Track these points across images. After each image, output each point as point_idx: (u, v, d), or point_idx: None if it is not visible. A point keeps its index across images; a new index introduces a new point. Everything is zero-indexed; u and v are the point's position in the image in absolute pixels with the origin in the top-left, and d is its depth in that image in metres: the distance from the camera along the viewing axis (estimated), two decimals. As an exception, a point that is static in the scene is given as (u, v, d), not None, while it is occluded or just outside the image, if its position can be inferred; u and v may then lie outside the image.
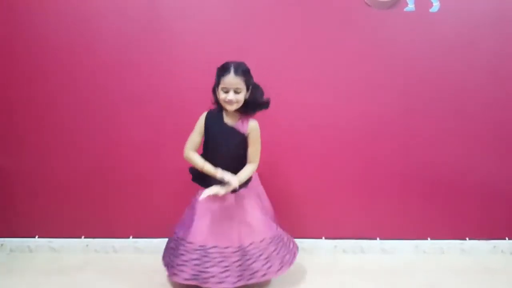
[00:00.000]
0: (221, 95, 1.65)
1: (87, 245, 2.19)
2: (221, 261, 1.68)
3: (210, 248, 1.69)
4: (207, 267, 1.67)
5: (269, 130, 2.10)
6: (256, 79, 2.09)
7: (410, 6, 2.05)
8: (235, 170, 1.70)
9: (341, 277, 1.97)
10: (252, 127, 1.72)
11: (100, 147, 2.13)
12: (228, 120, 1.72)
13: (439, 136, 2.15)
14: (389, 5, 2.05)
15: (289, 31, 2.07)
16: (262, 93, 1.74)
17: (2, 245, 2.19)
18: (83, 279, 1.93)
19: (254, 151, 1.73)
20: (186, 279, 1.69)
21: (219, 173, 1.66)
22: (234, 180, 1.64)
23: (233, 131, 1.71)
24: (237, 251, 1.70)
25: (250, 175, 1.73)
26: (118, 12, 2.03)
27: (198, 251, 1.69)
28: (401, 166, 2.18)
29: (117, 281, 1.91)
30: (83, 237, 2.20)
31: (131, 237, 2.21)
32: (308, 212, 2.21)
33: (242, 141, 1.72)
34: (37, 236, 2.20)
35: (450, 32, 2.08)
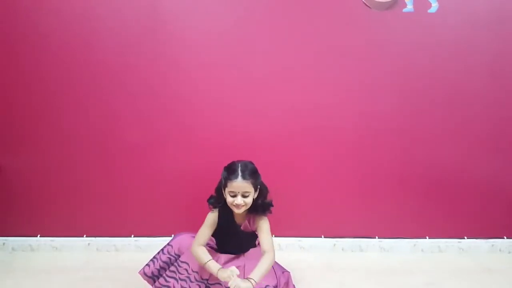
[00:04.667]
0: (229, 199, 1.59)
1: (88, 244, 2.20)
2: (183, 280, 1.61)
3: (182, 262, 1.64)
4: (168, 276, 1.64)
5: (269, 130, 2.12)
6: (256, 79, 2.11)
7: (409, 7, 2.07)
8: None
9: (339, 276, 1.99)
10: (260, 222, 1.66)
11: (101, 146, 2.14)
12: (237, 219, 1.69)
13: (437, 135, 2.17)
14: (387, 6, 2.06)
15: (288, 32, 2.08)
16: (267, 192, 1.70)
17: (4, 244, 2.20)
18: (85, 278, 1.95)
19: (267, 237, 1.63)
20: (144, 273, 1.68)
21: (230, 280, 1.46)
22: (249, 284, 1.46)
23: (242, 232, 1.69)
24: (202, 282, 1.61)
25: (270, 267, 1.57)
26: (118, 12, 2.04)
27: (170, 256, 1.67)
28: (400, 165, 2.19)
29: (119, 280, 1.92)
30: (84, 236, 2.22)
31: (132, 236, 2.22)
32: (307, 211, 2.22)
33: (252, 235, 1.72)
34: (39, 235, 2.21)
35: (448, 33, 2.09)
